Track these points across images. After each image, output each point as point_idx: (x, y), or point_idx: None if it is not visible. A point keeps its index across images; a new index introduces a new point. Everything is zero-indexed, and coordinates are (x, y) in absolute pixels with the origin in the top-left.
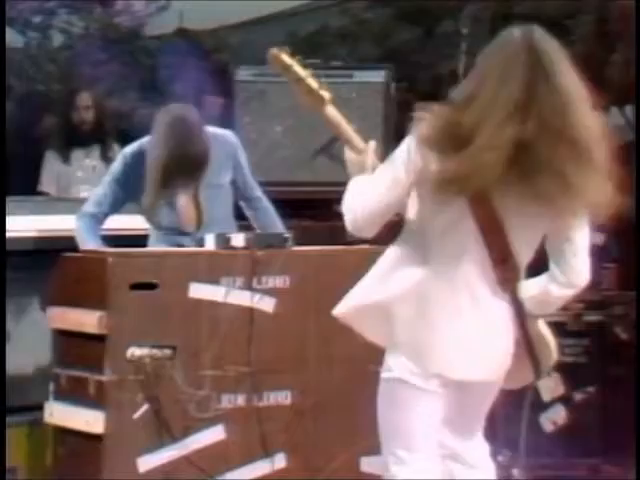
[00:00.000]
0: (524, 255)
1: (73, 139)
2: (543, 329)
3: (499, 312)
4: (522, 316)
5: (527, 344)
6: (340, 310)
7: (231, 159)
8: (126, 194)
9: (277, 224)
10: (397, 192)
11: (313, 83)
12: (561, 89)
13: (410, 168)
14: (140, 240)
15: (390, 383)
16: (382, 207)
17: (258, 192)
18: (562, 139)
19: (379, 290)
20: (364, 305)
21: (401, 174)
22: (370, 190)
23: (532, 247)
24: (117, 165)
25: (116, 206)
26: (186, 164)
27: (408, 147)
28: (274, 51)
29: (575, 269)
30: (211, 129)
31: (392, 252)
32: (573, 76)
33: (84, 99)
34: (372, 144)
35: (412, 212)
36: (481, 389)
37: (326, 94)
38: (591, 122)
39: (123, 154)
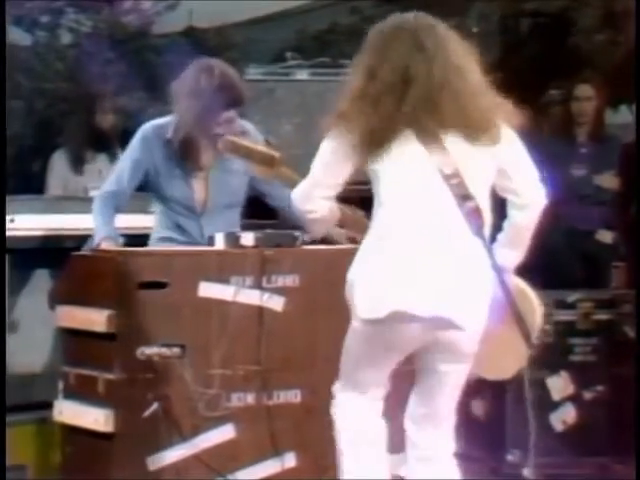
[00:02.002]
0: (483, 197)
1: (86, 141)
2: (521, 284)
3: (472, 256)
4: (494, 261)
5: (507, 295)
6: None
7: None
8: (142, 169)
9: None
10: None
11: (264, 149)
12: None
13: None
14: (145, 239)
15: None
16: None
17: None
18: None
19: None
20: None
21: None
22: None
23: (487, 188)
24: (136, 139)
25: (133, 182)
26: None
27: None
28: (229, 139)
29: (525, 185)
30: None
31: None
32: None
33: (108, 103)
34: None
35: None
36: (449, 349)
37: (276, 154)
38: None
39: (142, 129)
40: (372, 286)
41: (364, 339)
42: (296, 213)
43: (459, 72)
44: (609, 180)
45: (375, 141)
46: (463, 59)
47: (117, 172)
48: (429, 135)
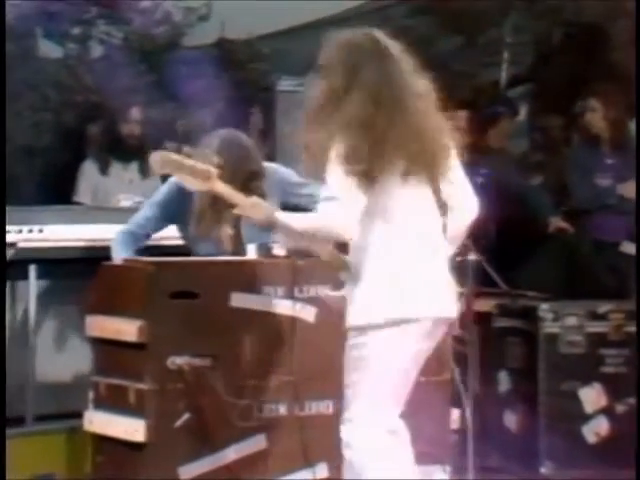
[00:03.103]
0: None
1: (114, 151)
2: None
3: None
4: None
5: None
6: None
7: (281, 196)
8: (168, 220)
9: None
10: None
11: (196, 164)
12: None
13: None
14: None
15: None
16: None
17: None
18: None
19: None
20: None
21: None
22: None
23: None
24: (163, 191)
25: (156, 229)
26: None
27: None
28: (157, 155)
29: (460, 196)
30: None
31: None
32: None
33: (136, 113)
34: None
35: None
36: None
37: (213, 170)
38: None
39: (170, 182)
40: (400, 288)
41: (390, 348)
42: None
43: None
44: (631, 189)
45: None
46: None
47: (143, 215)
48: (418, 161)
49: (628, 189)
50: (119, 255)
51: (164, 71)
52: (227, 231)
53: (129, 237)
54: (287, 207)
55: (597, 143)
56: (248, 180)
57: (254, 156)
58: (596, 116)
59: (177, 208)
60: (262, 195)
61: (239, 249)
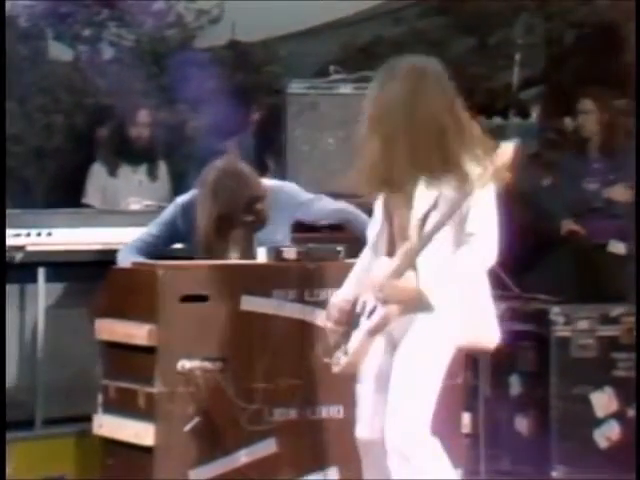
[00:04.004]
0: None
1: (123, 153)
2: None
3: None
4: None
5: None
6: None
7: (289, 214)
8: (173, 240)
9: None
10: None
11: None
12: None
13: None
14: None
15: None
16: None
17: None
18: None
19: None
20: None
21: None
22: None
23: None
24: (169, 211)
25: (161, 248)
26: (240, 217)
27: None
28: None
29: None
30: (267, 182)
31: None
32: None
33: (144, 115)
34: None
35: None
36: None
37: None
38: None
39: (175, 203)
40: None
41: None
42: None
43: None
44: (620, 192)
45: None
46: None
47: (146, 234)
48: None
49: (616, 192)
50: (125, 260)
51: (175, 73)
52: (235, 255)
53: (134, 251)
54: (296, 223)
55: (586, 147)
56: (249, 205)
57: (252, 181)
58: (590, 119)
59: (182, 228)
60: (264, 217)
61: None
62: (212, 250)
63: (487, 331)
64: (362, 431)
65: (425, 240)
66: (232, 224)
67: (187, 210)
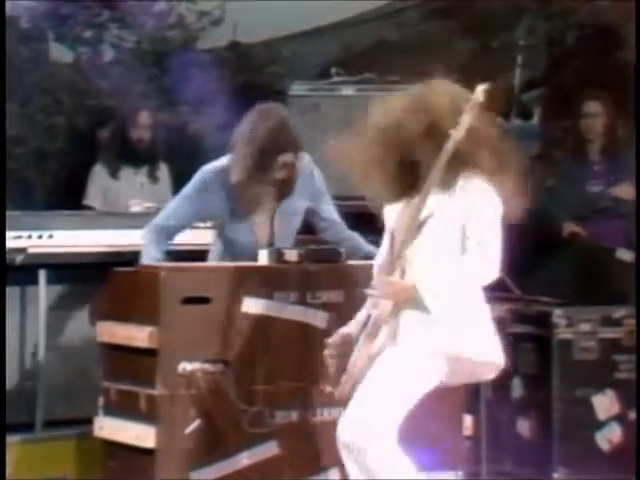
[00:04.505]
0: None
1: (124, 155)
2: None
3: None
4: None
5: None
6: None
7: (309, 195)
8: (198, 210)
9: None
10: None
11: None
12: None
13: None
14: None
15: None
16: None
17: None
18: None
19: None
20: None
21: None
22: None
23: None
24: (194, 181)
25: (186, 221)
26: (277, 158)
27: None
28: None
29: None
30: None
31: None
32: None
33: (145, 117)
34: None
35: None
36: None
37: None
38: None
39: (202, 171)
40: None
41: (437, 373)
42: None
43: None
44: (627, 190)
45: None
46: None
47: (172, 208)
48: None
49: (623, 190)
50: (151, 258)
51: (176, 75)
52: (262, 218)
53: (159, 234)
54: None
55: (587, 149)
56: (286, 146)
57: (292, 129)
58: (597, 122)
59: (207, 198)
60: (293, 177)
61: (272, 240)
62: (247, 195)
63: (486, 347)
64: (344, 433)
65: (414, 231)
66: (270, 164)
67: (215, 176)
